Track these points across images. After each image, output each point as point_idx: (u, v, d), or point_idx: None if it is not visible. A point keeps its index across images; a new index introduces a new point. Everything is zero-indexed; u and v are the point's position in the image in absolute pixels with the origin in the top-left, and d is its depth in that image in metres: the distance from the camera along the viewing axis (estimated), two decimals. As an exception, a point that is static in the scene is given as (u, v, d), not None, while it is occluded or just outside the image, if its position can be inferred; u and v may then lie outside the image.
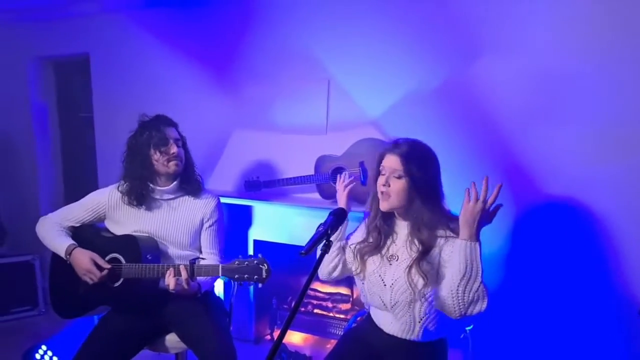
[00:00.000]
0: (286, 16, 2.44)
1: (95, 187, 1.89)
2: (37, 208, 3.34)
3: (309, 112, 2.43)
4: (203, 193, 1.82)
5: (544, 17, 1.95)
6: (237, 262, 1.46)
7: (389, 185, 1.36)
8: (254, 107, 2.58)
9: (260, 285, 1.45)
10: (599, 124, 1.90)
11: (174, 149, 1.69)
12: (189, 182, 1.77)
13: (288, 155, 2.48)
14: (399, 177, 1.35)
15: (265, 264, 1.44)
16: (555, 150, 1.98)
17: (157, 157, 1.68)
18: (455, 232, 1.32)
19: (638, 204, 1.88)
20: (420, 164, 1.34)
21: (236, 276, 1.45)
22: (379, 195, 1.39)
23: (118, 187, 1.76)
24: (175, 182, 1.75)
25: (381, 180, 1.38)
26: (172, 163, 1.69)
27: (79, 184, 3.41)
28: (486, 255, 2.05)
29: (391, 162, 1.36)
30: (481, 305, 1.26)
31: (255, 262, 1.45)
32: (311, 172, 2.31)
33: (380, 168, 1.40)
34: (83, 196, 1.81)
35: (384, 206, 1.39)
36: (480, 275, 1.24)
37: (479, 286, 1.24)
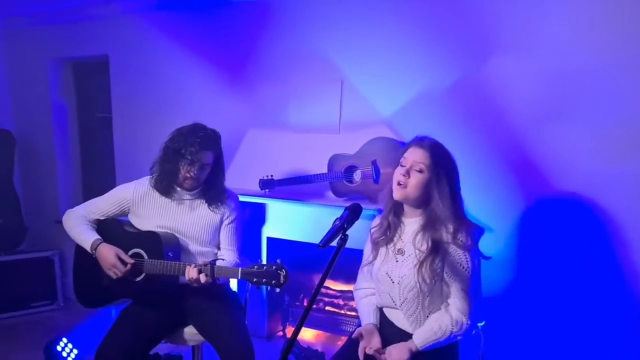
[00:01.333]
0: (300, 18, 2.48)
1: (112, 185, 1.93)
2: (57, 205, 3.42)
3: (322, 111, 2.46)
4: (225, 198, 1.83)
5: (558, 15, 1.95)
6: (256, 267, 1.50)
7: (409, 177, 1.37)
8: (268, 107, 2.62)
9: (277, 290, 1.49)
10: (614, 122, 1.89)
11: (192, 172, 1.69)
12: (209, 195, 1.78)
13: (301, 154, 2.52)
14: (420, 171, 1.36)
15: (283, 270, 1.47)
16: (569, 149, 1.97)
17: (181, 169, 1.71)
18: (456, 238, 1.35)
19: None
20: (444, 163, 1.37)
21: (254, 280, 1.49)
22: (394, 184, 1.40)
23: (151, 175, 1.79)
24: (195, 191, 1.78)
25: (401, 170, 1.39)
26: (187, 181, 1.73)
27: (97, 182, 3.49)
28: (498, 253, 2.09)
29: (416, 154, 1.38)
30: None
31: (274, 267, 1.48)
32: (324, 170, 2.34)
33: (402, 159, 1.41)
34: (101, 194, 1.85)
35: (397, 194, 1.39)
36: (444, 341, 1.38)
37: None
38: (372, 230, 1.54)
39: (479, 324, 1.80)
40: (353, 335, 1.46)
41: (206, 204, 1.79)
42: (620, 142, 1.89)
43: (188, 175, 1.70)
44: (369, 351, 1.39)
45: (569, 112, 1.97)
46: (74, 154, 3.54)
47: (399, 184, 1.39)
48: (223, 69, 2.73)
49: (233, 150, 2.71)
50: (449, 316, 1.37)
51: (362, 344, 1.43)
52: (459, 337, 1.40)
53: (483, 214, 2.10)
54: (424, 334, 1.38)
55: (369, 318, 1.52)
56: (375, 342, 1.42)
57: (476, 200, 2.09)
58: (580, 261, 2.01)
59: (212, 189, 1.78)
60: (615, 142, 1.90)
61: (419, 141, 1.41)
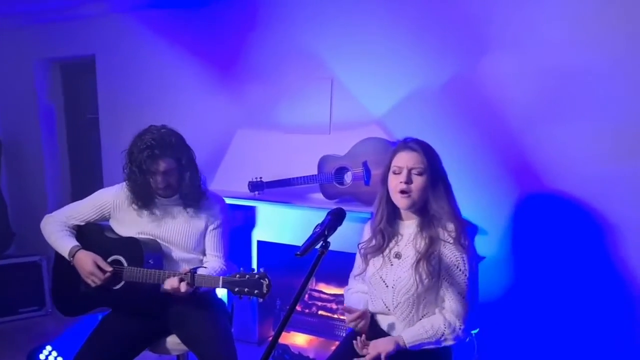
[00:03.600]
0: (289, 15, 2.43)
1: (100, 187, 1.88)
2: (45, 209, 3.36)
3: (312, 111, 2.41)
4: (206, 199, 1.77)
5: (554, 11, 1.90)
6: (238, 275, 1.45)
7: (411, 182, 1.33)
8: (257, 106, 2.57)
9: (260, 300, 1.43)
10: (612, 122, 1.84)
11: (158, 182, 1.63)
12: (187, 198, 1.71)
13: (291, 155, 2.46)
14: (420, 174, 1.33)
15: (266, 279, 1.42)
16: (566, 149, 1.93)
17: (150, 182, 1.65)
18: (453, 237, 1.33)
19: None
20: (435, 161, 1.36)
21: (236, 289, 1.44)
22: (396, 194, 1.36)
23: (124, 187, 1.72)
24: (173, 197, 1.71)
25: (399, 178, 1.34)
26: (159, 191, 1.66)
27: (86, 184, 3.43)
28: (492, 254, 2.03)
29: (409, 159, 1.34)
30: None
31: (256, 276, 1.43)
32: (314, 172, 2.29)
33: (394, 167, 1.36)
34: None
35: (405, 204, 1.36)
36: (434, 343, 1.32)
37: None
38: (361, 246, 1.49)
39: (473, 332, 1.75)
40: (342, 309, 1.42)
41: (186, 209, 1.72)
42: (616, 142, 1.85)
43: (156, 186, 1.64)
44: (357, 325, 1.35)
45: (564, 112, 1.93)
46: (62, 156, 3.49)
47: (402, 192, 1.34)
48: (211, 68, 2.68)
49: (222, 152, 2.65)
50: (442, 317, 1.33)
51: (349, 317, 1.36)
52: (450, 341, 1.33)
53: (477, 214, 2.04)
54: (414, 331, 1.33)
55: (358, 306, 1.47)
56: (365, 322, 1.37)
57: (470, 200, 2.03)
58: (575, 263, 1.96)
59: (186, 192, 1.69)
60: (610, 143, 1.86)
61: (406, 144, 1.37)
